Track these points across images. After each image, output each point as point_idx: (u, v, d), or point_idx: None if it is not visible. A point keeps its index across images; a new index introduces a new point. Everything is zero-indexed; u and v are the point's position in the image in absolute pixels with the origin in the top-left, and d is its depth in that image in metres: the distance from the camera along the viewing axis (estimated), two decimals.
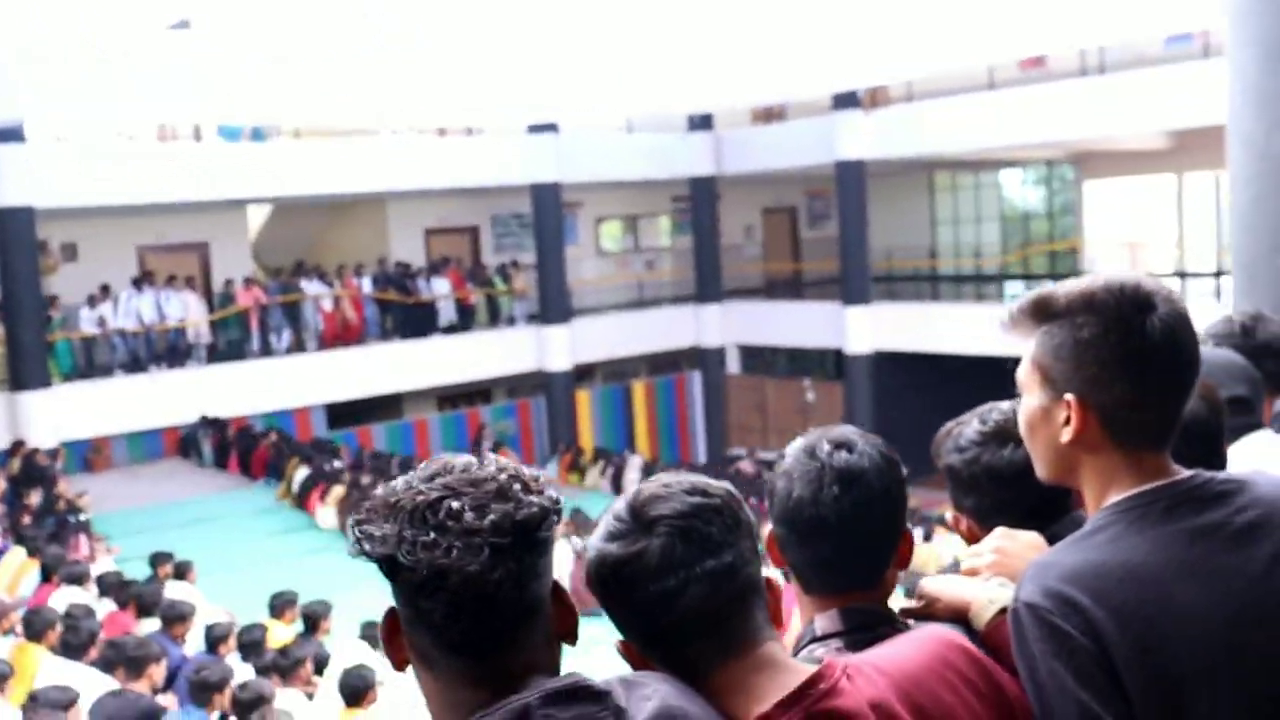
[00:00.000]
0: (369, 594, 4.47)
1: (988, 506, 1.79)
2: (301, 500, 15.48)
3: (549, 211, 20.47)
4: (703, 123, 22.41)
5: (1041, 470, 1.59)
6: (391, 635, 1.28)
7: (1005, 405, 1.79)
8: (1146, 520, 1.47)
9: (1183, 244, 23.53)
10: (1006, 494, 1.76)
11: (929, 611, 1.63)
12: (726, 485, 1.41)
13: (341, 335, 18.98)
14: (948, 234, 26.30)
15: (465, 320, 20.21)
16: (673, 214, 24.70)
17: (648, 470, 19.33)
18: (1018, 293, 15.10)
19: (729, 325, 23.26)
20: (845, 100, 20.05)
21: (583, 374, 21.80)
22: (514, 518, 1.21)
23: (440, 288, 19.78)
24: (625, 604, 1.37)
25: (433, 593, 1.20)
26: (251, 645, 7.31)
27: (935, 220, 26.59)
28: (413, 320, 19.45)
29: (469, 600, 1.20)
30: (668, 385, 23.78)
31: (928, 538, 14.75)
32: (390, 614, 1.27)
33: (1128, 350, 1.46)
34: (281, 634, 8.25)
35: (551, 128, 20.21)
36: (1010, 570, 1.62)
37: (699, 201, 22.67)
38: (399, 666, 1.29)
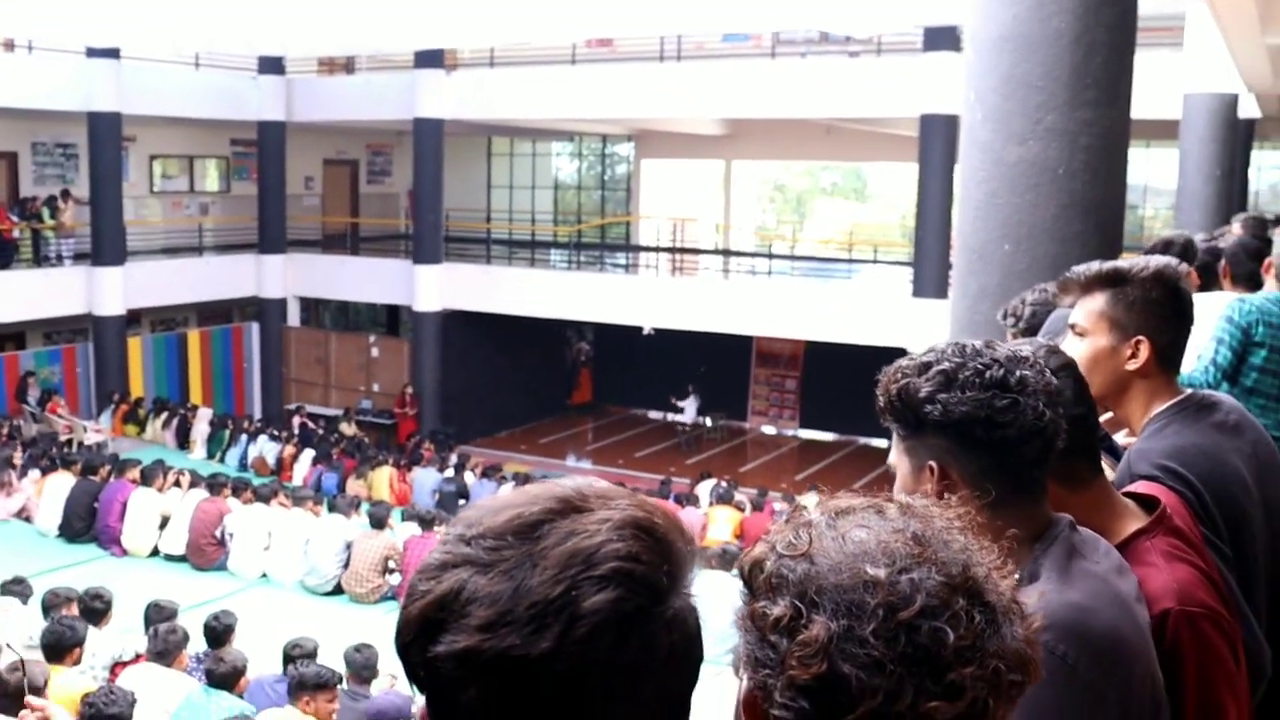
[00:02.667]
0: None
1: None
2: None
3: (107, 144, 18.93)
4: (273, 66, 21.56)
5: (1101, 389, 2.14)
6: (941, 489, 1.53)
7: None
8: (1187, 419, 2.16)
9: (727, 223, 25.66)
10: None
11: None
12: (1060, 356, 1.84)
13: None
14: (502, 199, 27.10)
15: (4, 256, 18.24)
16: (231, 158, 23.67)
17: (217, 424, 18.69)
18: (569, 259, 17.00)
19: (292, 277, 22.70)
20: (428, 59, 20.13)
21: (128, 321, 20.36)
22: (1053, 382, 1.58)
23: None
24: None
25: (1027, 440, 1.51)
26: None
27: (491, 184, 27.33)
28: None
29: (1049, 443, 1.54)
30: (224, 335, 22.87)
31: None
32: (940, 472, 1.54)
33: (1177, 308, 2.17)
34: None
35: (113, 53, 18.67)
36: None
37: (266, 147, 21.82)
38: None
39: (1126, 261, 2.21)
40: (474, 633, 0.84)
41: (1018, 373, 1.54)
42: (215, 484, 13.08)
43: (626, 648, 0.84)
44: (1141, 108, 4.11)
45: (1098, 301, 2.19)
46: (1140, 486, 1.99)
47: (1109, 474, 2.09)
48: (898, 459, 1.62)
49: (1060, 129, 3.91)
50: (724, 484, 16.17)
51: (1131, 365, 2.17)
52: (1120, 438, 2.42)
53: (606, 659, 0.83)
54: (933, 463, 1.56)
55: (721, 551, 10.62)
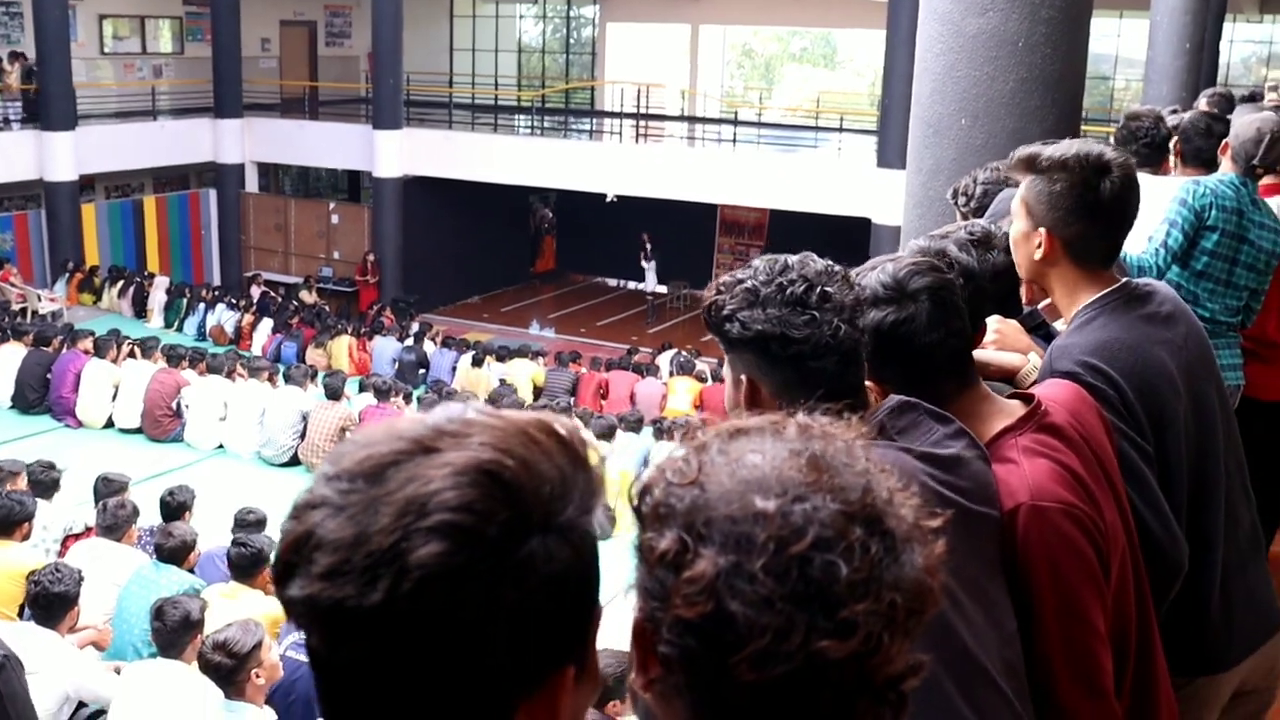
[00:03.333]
0: None
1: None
2: None
3: (52, 2, 18.18)
4: None
5: (1022, 273, 2.22)
6: (752, 401, 1.60)
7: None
8: (1115, 312, 2.12)
9: (693, 89, 25.24)
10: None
11: (985, 373, 2.06)
12: (960, 261, 1.95)
13: None
14: (465, 62, 26.53)
15: None
16: (184, 19, 22.89)
17: (174, 292, 18.48)
18: (532, 125, 17.28)
19: (250, 142, 22.15)
20: None
21: (81, 187, 19.88)
22: (858, 296, 1.62)
23: None
24: (896, 356, 1.75)
25: (822, 355, 1.55)
26: None
27: (454, 48, 26.73)
28: None
29: (849, 355, 1.58)
30: (181, 201, 22.45)
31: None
32: (749, 384, 1.60)
33: (1084, 202, 2.09)
34: None
35: None
36: (1010, 346, 2.20)
37: (220, 7, 21.08)
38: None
39: (1050, 147, 2.14)
40: (315, 580, 0.80)
41: (820, 288, 1.57)
42: (173, 355, 13.02)
43: (463, 603, 0.79)
44: None
45: (1021, 186, 2.18)
46: (1050, 386, 2.00)
47: (1036, 360, 2.17)
48: (725, 370, 1.68)
49: None
50: (685, 354, 16.11)
51: (1037, 255, 2.17)
52: (1059, 326, 2.37)
53: (440, 613, 0.79)
54: (743, 375, 1.62)
55: (685, 424, 10.70)
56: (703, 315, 1.66)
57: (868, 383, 1.70)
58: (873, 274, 1.79)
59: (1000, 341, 2.22)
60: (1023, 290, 2.30)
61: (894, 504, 0.93)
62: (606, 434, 10.57)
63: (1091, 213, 2.10)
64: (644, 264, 21.86)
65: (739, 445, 0.96)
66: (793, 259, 1.62)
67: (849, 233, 16.41)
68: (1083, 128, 4.46)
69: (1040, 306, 2.42)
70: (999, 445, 1.76)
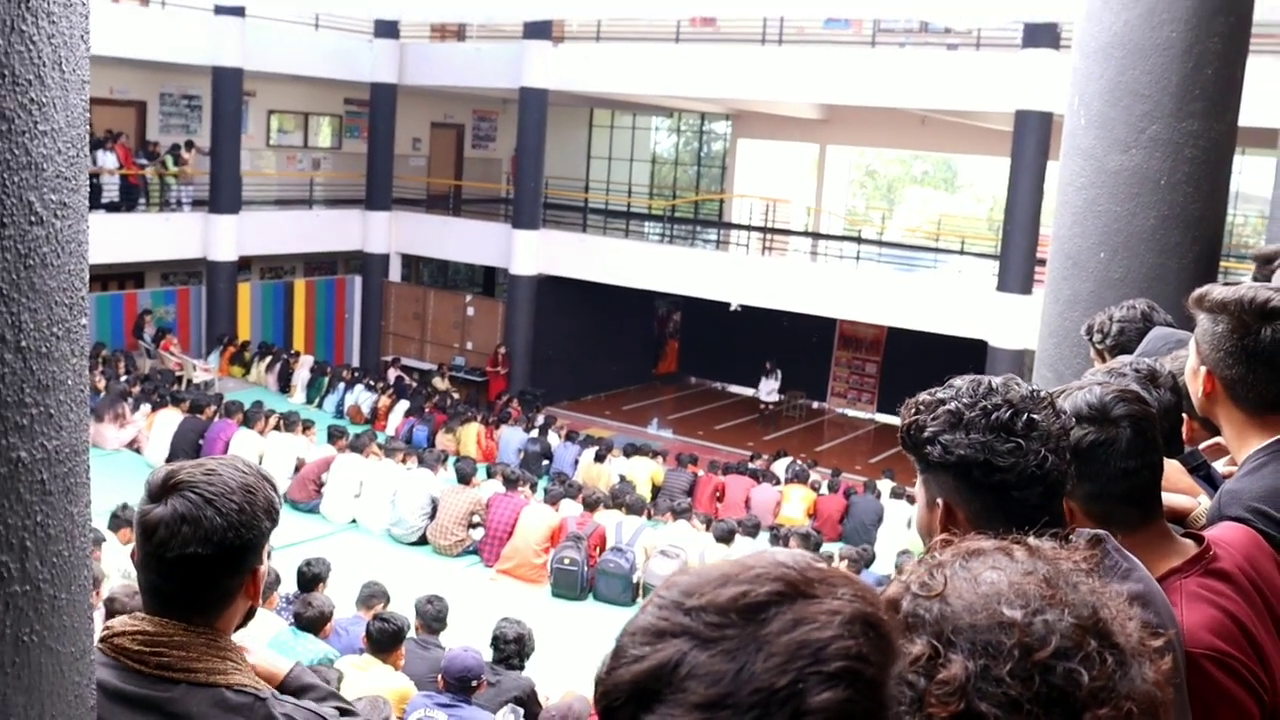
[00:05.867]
0: None
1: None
2: None
3: (228, 97, 19.62)
4: (388, 30, 22.05)
5: (1195, 408, 2.17)
6: (947, 524, 1.54)
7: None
8: None
9: (818, 206, 25.54)
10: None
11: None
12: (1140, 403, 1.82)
13: None
14: (600, 170, 27.25)
15: (130, 199, 18.99)
16: (344, 117, 24.20)
17: (317, 370, 19.25)
18: (662, 233, 18.02)
19: (396, 234, 23.11)
20: (537, 30, 20.44)
21: (239, 267, 21.10)
22: (1064, 425, 1.58)
23: (107, 161, 18.45)
24: (1090, 476, 1.73)
25: (1027, 485, 1.50)
26: None
27: (591, 155, 27.53)
28: None
29: (1054, 487, 1.53)
30: (328, 286, 23.44)
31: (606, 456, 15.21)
32: (946, 508, 1.55)
33: (1243, 347, 2.03)
34: None
35: (239, 11, 19.29)
36: (1172, 486, 2.13)
37: (378, 107, 22.35)
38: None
39: (1220, 287, 2.15)
40: (692, 710, 0.81)
41: (1026, 414, 1.53)
42: (334, 433, 13.45)
43: None
44: (1242, 114, 4.00)
45: (1197, 322, 2.19)
46: (1224, 529, 1.96)
47: (1205, 502, 2.17)
48: (918, 489, 1.64)
49: (1165, 139, 3.84)
50: (800, 462, 16.13)
51: (1200, 393, 2.16)
52: (1221, 465, 2.43)
53: None
54: (940, 499, 1.57)
55: (805, 534, 10.72)
56: (900, 435, 1.60)
57: None
58: (1078, 394, 1.80)
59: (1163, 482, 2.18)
60: (1184, 429, 2.31)
61: (1120, 622, 1.00)
62: (726, 538, 10.65)
63: (1251, 357, 2.05)
64: (764, 380, 22.03)
65: (977, 564, 1.03)
66: (996, 381, 1.57)
67: (965, 354, 16.29)
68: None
69: (1201, 447, 2.46)
70: (1164, 586, 1.73)
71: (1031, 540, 1.07)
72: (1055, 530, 1.32)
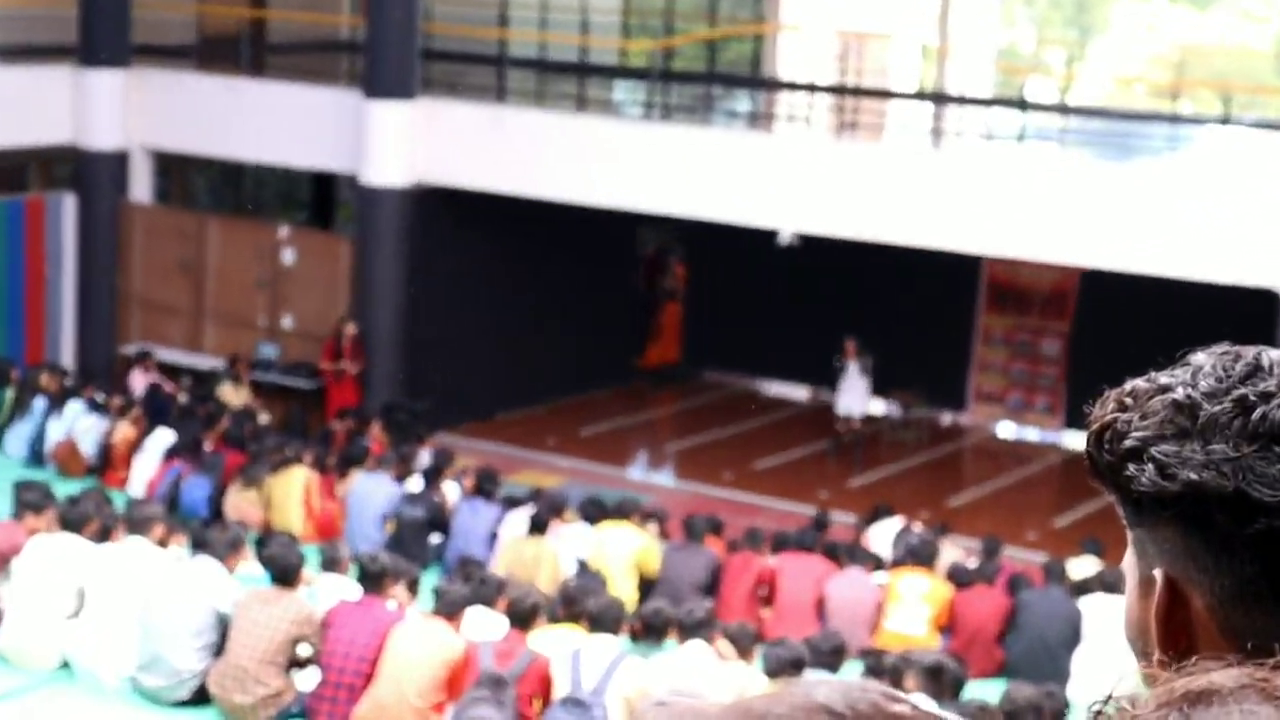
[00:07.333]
0: None
1: None
2: None
3: None
4: None
5: None
6: (1172, 621, 1.10)
7: None
8: None
9: (944, 45, 20.45)
10: None
11: None
12: None
13: None
14: None
15: None
16: None
17: None
18: (647, 101, 17.20)
19: (139, 112, 16.77)
20: None
21: None
22: None
23: None
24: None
25: None
26: None
27: None
28: None
29: None
30: (12, 213, 16.64)
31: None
32: (1168, 586, 1.11)
33: None
34: None
35: None
36: None
37: None
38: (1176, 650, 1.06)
39: None
40: None
41: None
42: (26, 497, 10.56)
43: None
44: None
45: None
46: None
47: None
48: (1126, 559, 1.28)
49: None
50: (918, 528, 13.47)
51: None
52: None
53: None
54: (1158, 570, 1.16)
55: (935, 665, 8.40)
56: (1087, 450, 1.17)
57: None
58: None
59: None
60: None
61: None
62: (783, 670, 8.58)
63: None
64: (845, 378, 16.61)
65: (1207, 716, 0.91)
66: (1272, 355, 1.14)
67: (1241, 320, 12.02)
68: None
69: None
70: None
71: None
72: None
